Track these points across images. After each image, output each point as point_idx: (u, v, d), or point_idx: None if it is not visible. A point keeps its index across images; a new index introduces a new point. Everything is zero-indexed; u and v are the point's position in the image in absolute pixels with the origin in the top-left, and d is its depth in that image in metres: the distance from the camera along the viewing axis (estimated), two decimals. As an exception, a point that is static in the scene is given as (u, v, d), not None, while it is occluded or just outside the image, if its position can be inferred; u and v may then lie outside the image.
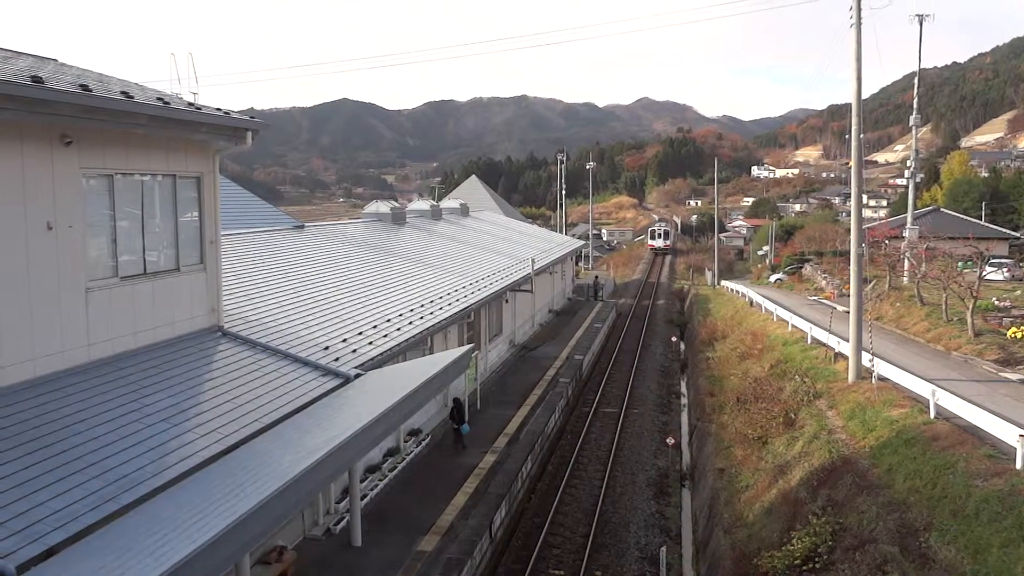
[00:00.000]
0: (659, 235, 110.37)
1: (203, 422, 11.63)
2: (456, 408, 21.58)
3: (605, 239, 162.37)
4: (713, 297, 58.82)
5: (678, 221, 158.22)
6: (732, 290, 58.31)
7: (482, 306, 27.71)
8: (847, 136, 25.10)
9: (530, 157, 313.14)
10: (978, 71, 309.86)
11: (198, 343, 14.33)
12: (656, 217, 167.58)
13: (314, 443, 10.47)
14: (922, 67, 45.33)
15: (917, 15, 42.50)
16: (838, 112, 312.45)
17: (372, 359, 16.79)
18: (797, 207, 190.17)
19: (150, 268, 13.47)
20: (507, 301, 33.24)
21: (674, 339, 45.33)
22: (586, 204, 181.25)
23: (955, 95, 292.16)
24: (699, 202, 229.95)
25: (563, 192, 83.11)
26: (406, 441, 20.79)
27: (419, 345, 20.42)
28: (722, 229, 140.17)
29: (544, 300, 44.34)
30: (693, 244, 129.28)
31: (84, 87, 11.13)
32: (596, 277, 60.35)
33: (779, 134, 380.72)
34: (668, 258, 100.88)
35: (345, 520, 15.85)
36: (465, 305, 24.76)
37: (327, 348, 16.37)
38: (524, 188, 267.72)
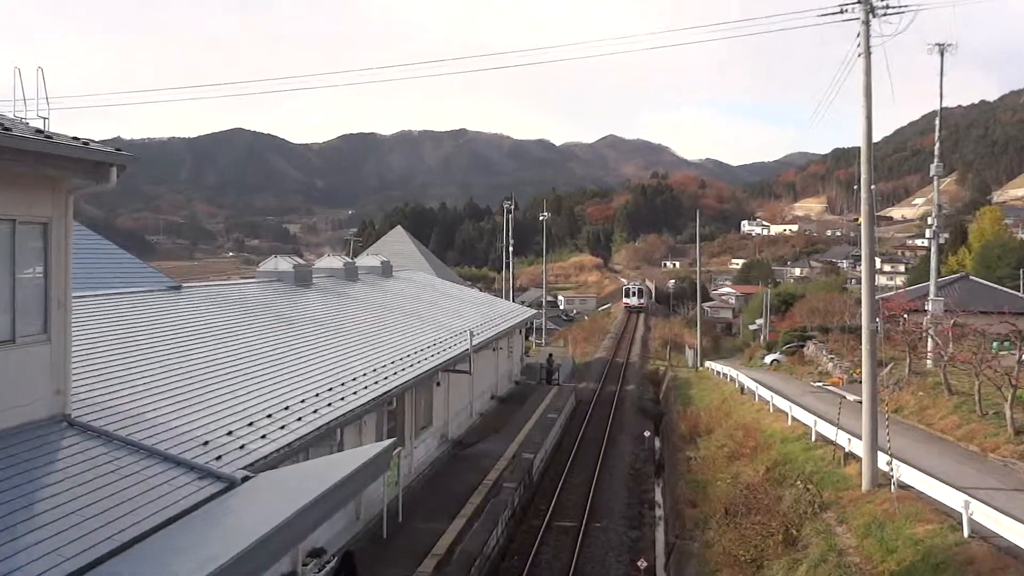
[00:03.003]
0: (633, 293, 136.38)
1: (39, 540, 11.18)
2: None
3: (563, 307, 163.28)
4: (695, 381, 59.55)
5: (652, 287, 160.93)
6: (719, 373, 59.05)
7: (407, 390, 27.73)
8: (855, 187, 25.82)
9: (470, 205, 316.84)
10: (1011, 112, 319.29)
11: (36, 437, 13.87)
12: (625, 281, 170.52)
13: (184, 568, 10.15)
14: (944, 106, 46.76)
15: (938, 44, 42.71)
16: (844, 157, 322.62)
17: (265, 457, 16.57)
18: (797, 271, 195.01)
19: (-26, 338, 13.07)
20: (439, 384, 33.35)
21: (647, 434, 45.52)
22: (538, 264, 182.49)
23: (984, 140, 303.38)
24: (678, 263, 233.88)
25: (510, 249, 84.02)
26: (305, 564, 20.27)
27: (326, 440, 20.23)
28: (706, 298, 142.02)
29: (486, 383, 44.45)
30: (669, 315, 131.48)
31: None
32: (550, 355, 60.90)
33: (774, 183, 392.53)
34: (640, 332, 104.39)
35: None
36: (385, 389, 24.75)
37: (207, 443, 16.08)
38: (463, 243, 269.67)
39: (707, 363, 69.01)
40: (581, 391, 58.31)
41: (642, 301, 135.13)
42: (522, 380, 55.14)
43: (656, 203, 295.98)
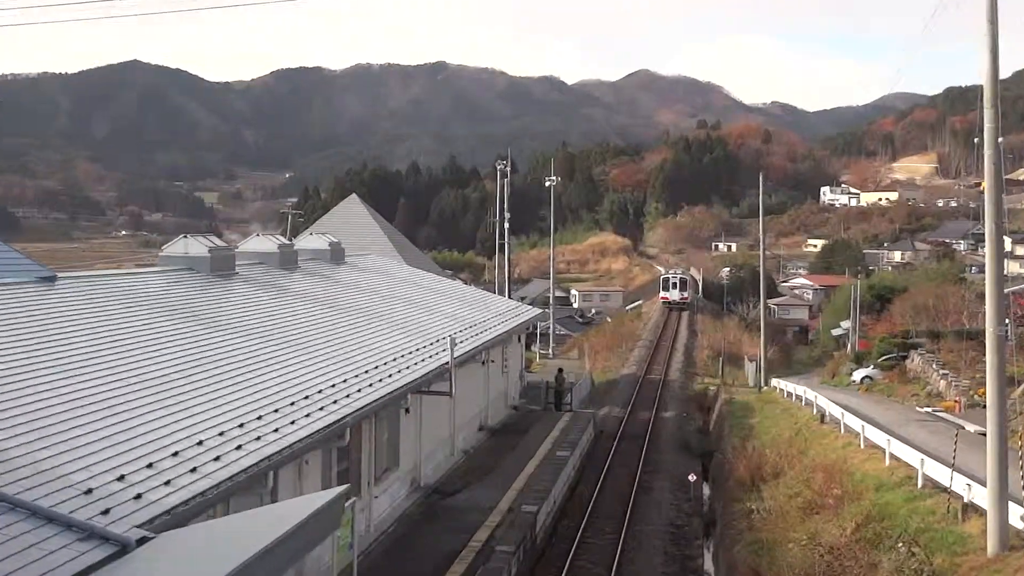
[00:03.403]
0: (674, 285, 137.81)
1: None
2: None
3: (577, 306, 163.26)
4: (758, 406, 59.63)
5: (698, 277, 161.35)
6: (790, 395, 59.21)
7: (365, 419, 27.78)
8: (976, 139, 25.69)
9: (451, 165, 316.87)
10: None
11: None
12: (662, 269, 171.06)
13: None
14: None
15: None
16: (961, 99, 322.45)
17: (169, 511, 16.50)
18: (896, 256, 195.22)
19: None
20: (408, 411, 33.49)
21: (692, 478, 45.41)
22: (544, 247, 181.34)
23: None
24: (733, 245, 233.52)
25: (505, 226, 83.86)
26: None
27: (254, 487, 20.23)
28: (773, 292, 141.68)
29: (472, 409, 44.46)
30: (721, 315, 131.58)
31: None
32: (560, 371, 60.60)
33: (865, 135, 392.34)
34: (683, 339, 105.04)
35: None
36: (335, 417, 24.77)
37: (90, 492, 16.02)
38: (441, 218, 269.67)
39: (774, 381, 69.24)
40: (602, 420, 58.15)
41: (685, 295, 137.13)
42: (522, 405, 55.16)
43: (704, 163, 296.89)
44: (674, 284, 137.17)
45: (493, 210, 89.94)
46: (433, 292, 52.09)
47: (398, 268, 57.85)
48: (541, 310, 71.12)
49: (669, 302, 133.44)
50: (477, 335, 43.78)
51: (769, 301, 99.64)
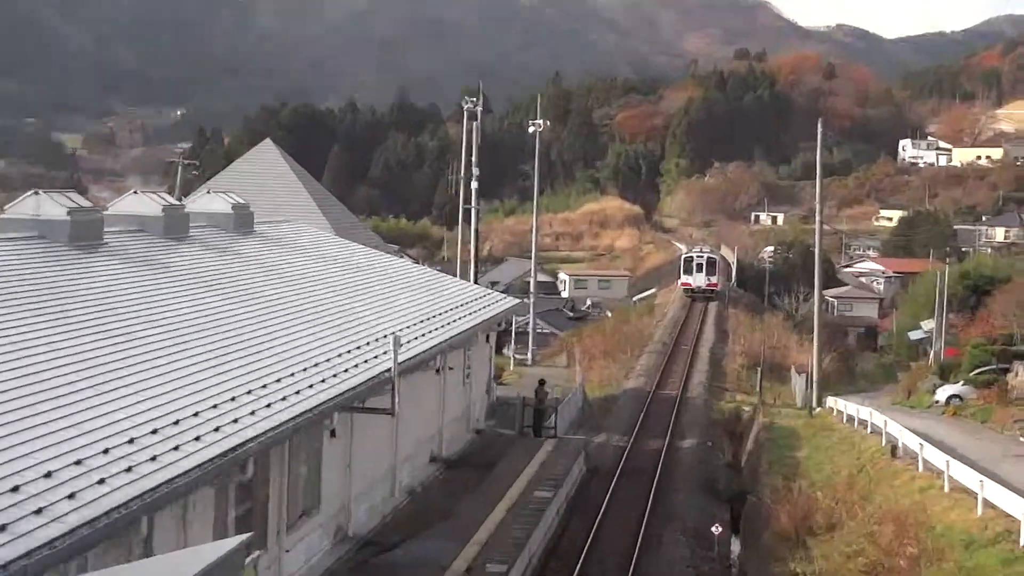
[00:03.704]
0: (699, 266, 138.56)
1: None
2: None
3: (568, 295, 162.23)
4: (807, 434, 60.48)
5: (732, 258, 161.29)
6: (850, 419, 59.52)
7: (274, 445, 27.76)
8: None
9: (402, 103, 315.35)
10: None
11: None
12: (683, 247, 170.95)
13: None
14: None
15: None
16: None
17: (6, 566, 16.37)
18: (999, 234, 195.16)
19: None
20: (334, 434, 33.51)
21: (717, 530, 45.53)
22: (524, 215, 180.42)
23: None
24: (780, 216, 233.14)
25: (474, 186, 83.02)
26: None
27: (123, 535, 20.20)
28: (832, 281, 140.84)
29: (422, 434, 44.53)
30: (761, 310, 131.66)
31: None
32: (542, 383, 60.39)
33: (961, 71, 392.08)
34: (708, 339, 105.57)
35: None
36: (235, 443, 24.64)
37: None
38: (387, 173, 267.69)
39: (829, 401, 69.57)
40: (598, 450, 58.33)
41: (713, 281, 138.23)
42: (489, 427, 55.34)
43: (743, 105, 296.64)
44: (699, 266, 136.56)
45: (457, 164, 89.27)
46: (373, 274, 51.91)
47: (326, 241, 57.51)
48: (519, 300, 71.07)
49: (692, 289, 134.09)
50: (430, 333, 43.56)
51: (826, 293, 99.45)
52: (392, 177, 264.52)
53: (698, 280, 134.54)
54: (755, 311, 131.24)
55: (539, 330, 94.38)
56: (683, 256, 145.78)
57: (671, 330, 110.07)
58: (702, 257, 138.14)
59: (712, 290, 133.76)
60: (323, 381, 31.71)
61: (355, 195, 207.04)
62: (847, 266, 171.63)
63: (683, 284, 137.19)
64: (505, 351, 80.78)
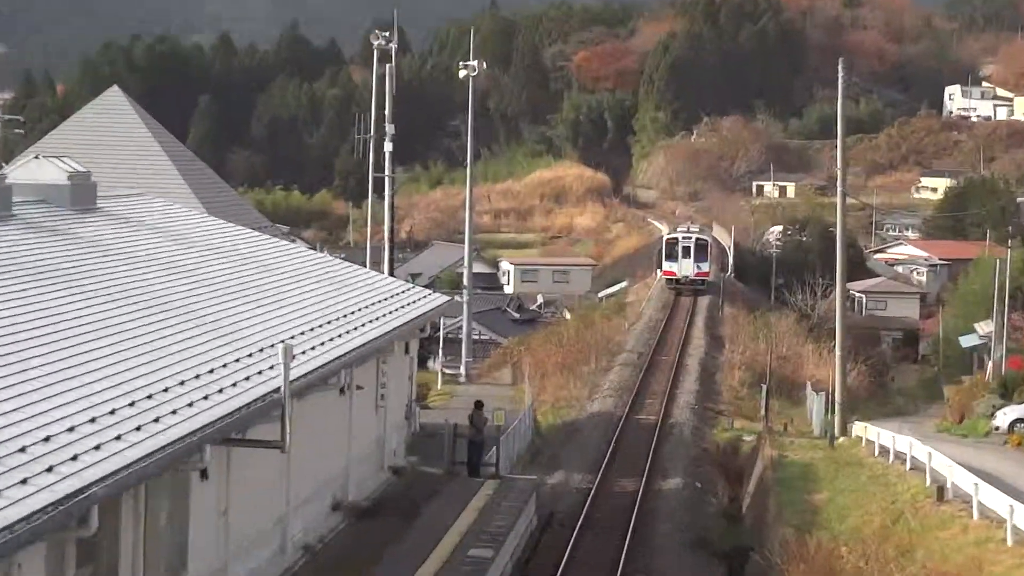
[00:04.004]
0: (686, 250, 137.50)
1: None
2: None
3: (513, 290, 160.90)
4: (829, 471, 60.99)
5: (728, 240, 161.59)
6: (884, 451, 60.16)
7: (127, 489, 27.54)
8: None
9: (291, 38, 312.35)
10: None
11: None
12: (664, 227, 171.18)
13: None
14: None
15: None
16: None
17: None
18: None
19: None
20: (205, 475, 33.15)
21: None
22: (456, 187, 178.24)
23: None
24: (789, 187, 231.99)
25: (388, 148, 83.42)
26: None
27: None
28: (860, 271, 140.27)
29: (321, 473, 44.35)
30: (767, 307, 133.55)
31: None
32: (479, 407, 60.19)
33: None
34: (698, 347, 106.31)
35: None
36: (73, 487, 24.27)
37: None
38: (273, 131, 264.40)
39: (857, 427, 69.99)
40: (552, 493, 58.72)
41: (704, 269, 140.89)
42: (411, 465, 55.53)
43: (740, 40, 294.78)
44: (686, 250, 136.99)
45: (366, 119, 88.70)
46: (255, 264, 51.57)
47: (192, 220, 57.06)
48: (448, 298, 70.00)
49: (677, 281, 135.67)
50: (332, 341, 43.49)
51: (852, 286, 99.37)
52: (280, 137, 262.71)
53: (684, 268, 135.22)
54: (758, 310, 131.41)
55: (476, 337, 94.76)
56: (665, 238, 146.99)
57: (649, 336, 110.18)
58: (690, 239, 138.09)
59: (703, 281, 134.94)
60: (190, 405, 31.03)
61: (231, 160, 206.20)
62: (879, 251, 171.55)
63: (665, 273, 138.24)
64: (431, 364, 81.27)
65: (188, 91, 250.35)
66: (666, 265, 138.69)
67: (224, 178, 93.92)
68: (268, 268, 52.64)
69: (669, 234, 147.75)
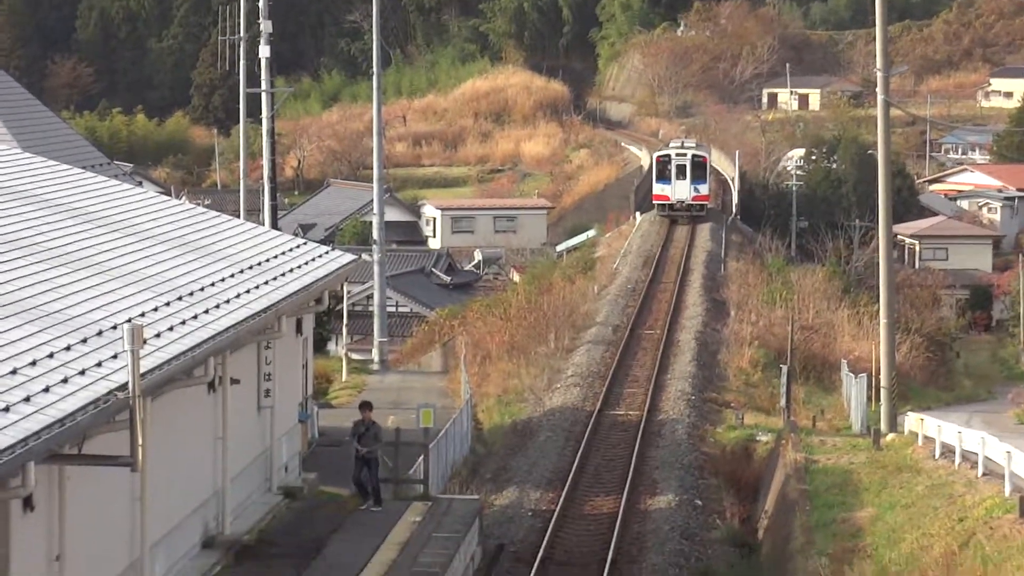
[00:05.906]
0: (680, 169, 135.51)
1: None
2: None
3: (440, 244, 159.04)
4: (874, 479, 58.56)
5: (733, 170, 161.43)
6: (946, 450, 57.42)
7: None
8: None
9: None
10: None
11: None
12: (641, 153, 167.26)
13: None
14: None
15: None
16: None
17: None
18: None
19: None
20: (30, 505, 28.64)
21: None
22: (360, 105, 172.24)
23: None
24: (813, 96, 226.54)
25: (265, 55, 77.95)
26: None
27: None
28: (910, 208, 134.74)
29: (187, 497, 40.15)
30: (787, 259, 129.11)
31: None
32: (366, 408, 53.47)
33: None
34: (695, 312, 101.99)
35: None
36: None
37: None
38: (105, 33, 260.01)
39: (910, 419, 67.03)
40: (501, 518, 56.84)
41: (703, 192, 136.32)
42: (308, 484, 52.35)
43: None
44: (681, 168, 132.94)
45: (233, 15, 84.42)
46: (88, 217, 46.59)
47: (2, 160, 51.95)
48: (353, 257, 63.34)
49: (671, 207, 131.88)
50: (195, 320, 38.25)
51: (900, 228, 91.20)
52: (115, 41, 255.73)
53: (679, 191, 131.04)
54: (774, 265, 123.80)
55: (392, 309, 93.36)
56: (655, 156, 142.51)
57: (627, 302, 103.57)
58: (684, 156, 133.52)
59: (701, 206, 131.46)
60: (6, 410, 26.03)
61: (52, 73, 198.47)
62: (936, 180, 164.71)
63: (656, 198, 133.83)
64: (333, 348, 78.98)
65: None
66: (658, 187, 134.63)
67: (40, 98, 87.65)
68: (106, 224, 47.20)
69: (661, 151, 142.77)
